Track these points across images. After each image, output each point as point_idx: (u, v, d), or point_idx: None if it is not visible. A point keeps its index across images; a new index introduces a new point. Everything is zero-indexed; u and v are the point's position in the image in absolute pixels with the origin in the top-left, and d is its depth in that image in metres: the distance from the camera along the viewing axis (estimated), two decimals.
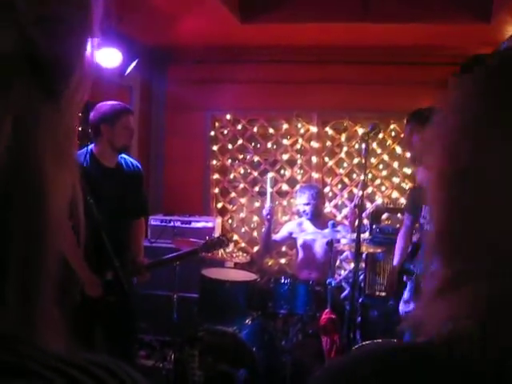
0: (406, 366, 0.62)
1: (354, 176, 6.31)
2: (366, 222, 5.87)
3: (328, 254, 4.84)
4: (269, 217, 5.11)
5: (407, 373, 0.61)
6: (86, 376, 0.47)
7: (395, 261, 4.44)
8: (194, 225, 5.92)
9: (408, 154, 4.74)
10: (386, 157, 6.19)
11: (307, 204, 5.18)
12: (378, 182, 6.25)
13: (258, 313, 4.56)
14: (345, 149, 6.29)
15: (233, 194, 6.59)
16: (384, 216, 5.97)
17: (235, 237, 6.53)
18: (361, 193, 3.83)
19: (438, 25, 4.97)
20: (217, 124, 6.60)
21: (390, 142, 6.18)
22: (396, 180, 6.21)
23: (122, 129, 3.85)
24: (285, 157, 6.42)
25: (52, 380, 0.45)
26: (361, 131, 6.13)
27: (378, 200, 6.16)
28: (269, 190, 5.19)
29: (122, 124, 3.85)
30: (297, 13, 5.06)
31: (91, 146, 3.87)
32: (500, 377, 0.57)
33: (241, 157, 6.56)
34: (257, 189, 6.49)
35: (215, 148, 6.56)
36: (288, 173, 6.40)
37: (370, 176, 6.10)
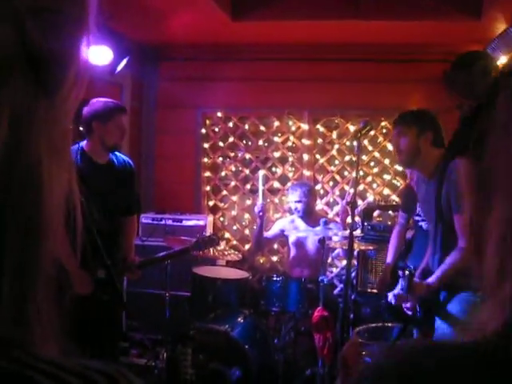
0: (462, 364, 0.61)
1: (346, 173, 6.31)
2: (357, 219, 5.87)
3: (320, 251, 4.84)
4: (261, 214, 5.11)
5: (464, 371, 0.60)
6: (82, 381, 0.46)
7: (388, 258, 4.44)
8: (185, 223, 5.91)
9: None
10: (377, 154, 6.20)
11: (299, 201, 5.18)
12: (369, 179, 6.26)
13: (250, 311, 4.55)
14: (336, 146, 6.29)
15: (224, 192, 6.58)
16: (375, 213, 5.98)
17: (227, 235, 6.52)
18: (352, 190, 3.83)
19: (429, 22, 4.98)
20: (208, 122, 6.58)
21: (381, 139, 6.18)
22: (387, 177, 6.21)
23: (114, 127, 3.82)
24: (276, 154, 6.42)
25: None
26: (352, 128, 6.14)
27: (370, 197, 6.17)
28: (260, 187, 5.19)
29: (114, 123, 3.82)
30: (288, 10, 5.06)
31: (82, 143, 3.85)
32: None
33: (232, 154, 6.55)
34: (248, 186, 6.49)
35: (206, 146, 6.55)
36: (279, 170, 6.40)
37: (361, 173, 6.11)
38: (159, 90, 6.55)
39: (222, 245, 5.49)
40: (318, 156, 6.38)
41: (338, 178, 6.33)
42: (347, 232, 3.86)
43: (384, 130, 6.20)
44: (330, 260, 6.00)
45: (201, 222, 5.91)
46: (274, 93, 6.15)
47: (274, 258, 6.37)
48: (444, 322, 3.35)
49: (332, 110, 6.19)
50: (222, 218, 6.62)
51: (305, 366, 4.52)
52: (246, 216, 6.51)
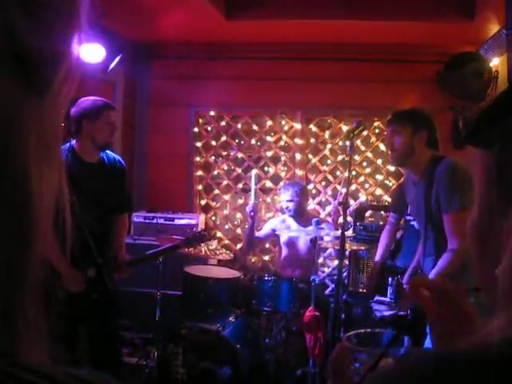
0: (476, 369, 0.60)
1: (338, 173, 6.31)
2: (349, 219, 5.88)
3: (311, 251, 4.85)
4: (252, 214, 5.10)
5: (479, 376, 0.60)
6: None
7: (377, 256, 4.46)
8: (177, 222, 5.89)
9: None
10: (369, 154, 6.21)
11: (290, 201, 5.18)
12: (361, 179, 6.26)
13: (241, 310, 4.55)
14: (329, 146, 6.30)
15: (216, 191, 6.57)
16: (368, 213, 5.99)
17: (219, 234, 6.51)
18: (345, 190, 3.83)
19: (422, 23, 4.99)
20: (200, 120, 6.57)
21: (373, 139, 6.19)
22: (380, 177, 6.22)
23: (104, 125, 3.82)
24: (269, 154, 6.42)
25: None
26: (345, 128, 6.14)
27: (362, 197, 6.18)
28: (253, 186, 5.18)
29: (103, 120, 3.82)
30: (281, 9, 5.06)
31: (72, 142, 3.84)
32: None
33: (224, 153, 6.54)
34: (240, 185, 6.48)
35: (199, 144, 6.53)
36: (272, 170, 6.39)
37: (353, 173, 6.11)
38: (152, 88, 6.53)
39: (214, 244, 5.48)
40: (310, 156, 6.38)
41: (330, 177, 6.33)
42: (339, 232, 3.86)
43: (377, 131, 6.21)
44: (321, 260, 6.01)
45: (193, 221, 5.90)
46: (267, 92, 6.15)
47: (266, 258, 6.36)
48: None
49: (325, 109, 6.19)
50: (213, 217, 6.61)
51: (296, 366, 4.52)
52: (238, 215, 6.51)
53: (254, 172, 5.42)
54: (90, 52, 4.87)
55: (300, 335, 4.40)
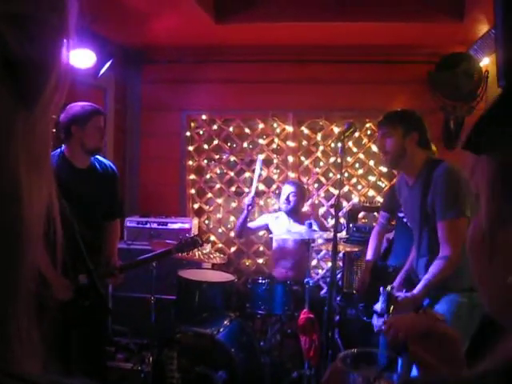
0: None
1: (331, 175, 6.32)
2: (342, 220, 5.89)
3: (303, 250, 4.88)
4: (250, 207, 5.16)
5: None
6: None
7: (368, 256, 4.47)
8: (170, 226, 5.89)
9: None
10: (361, 155, 6.22)
11: (294, 194, 5.25)
12: (354, 180, 6.27)
13: (235, 313, 4.54)
14: (321, 148, 6.30)
15: (209, 195, 6.56)
16: (360, 215, 6.00)
17: (212, 237, 6.51)
18: (337, 192, 3.83)
19: (412, 24, 5.00)
20: (192, 124, 6.57)
21: (365, 140, 6.20)
22: (372, 178, 6.23)
23: (92, 130, 3.82)
24: (261, 157, 6.41)
25: None
26: (336, 130, 6.15)
27: (355, 199, 6.18)
28: (257, 171, 5.28)
29: (92, 125, 3.81)
30: (271, 12, 5.06)
31: (63, 148, 3.83)
32: None
33: (217, 157, 6.54)
34: (233, 189, 6.48)
35: (191, 148, 6.53)
36: (264, 172, 6.39)
37: (346, 175, 6.13)
38: (143, 92, 6.53)
39: (208, 248, 5.48)
40: (302, 158, 6.38)
41: (322, 179, 6.33)
42: (332, 234, 3.86)
43: (369, 132, 6.21)
44: (315, 262, 6.01)
45: (186, 225, 5.89)
46: (259, 95, 6.15)
47: (260, 261, 6.36)
48: None
49: (316, 111, 6.20)
50: (207, 221, 6.60)
51: (291, 369, 4.52)
52: (232, 219, 6.50)
53: (260, 157, 5.52)
54: (81, 58, 4.86)
55: (295, 338, 4.41)
